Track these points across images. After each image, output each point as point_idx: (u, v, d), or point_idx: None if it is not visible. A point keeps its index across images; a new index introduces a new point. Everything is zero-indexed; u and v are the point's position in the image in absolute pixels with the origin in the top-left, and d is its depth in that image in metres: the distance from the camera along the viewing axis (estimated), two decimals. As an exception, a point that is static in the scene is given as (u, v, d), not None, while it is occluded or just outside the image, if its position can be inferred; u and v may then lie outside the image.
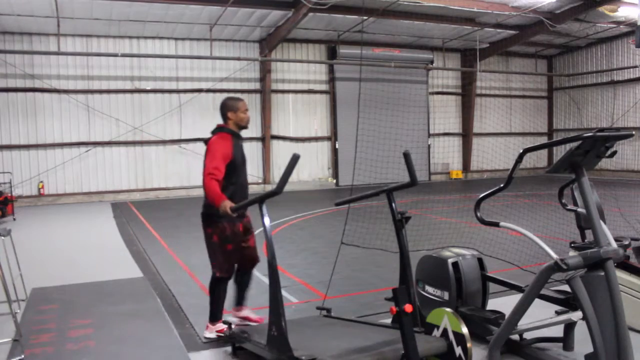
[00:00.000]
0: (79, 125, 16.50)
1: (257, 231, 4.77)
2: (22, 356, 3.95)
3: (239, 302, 4.65)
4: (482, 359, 3.71)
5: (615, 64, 21.14)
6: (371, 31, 17.84)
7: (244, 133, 4.53)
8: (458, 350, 3.36)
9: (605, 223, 3.42)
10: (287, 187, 3.52)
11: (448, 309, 3.54)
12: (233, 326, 4.22)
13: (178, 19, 15.68)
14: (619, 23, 18.33)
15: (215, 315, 4.40)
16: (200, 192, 16.96)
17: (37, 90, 15.95)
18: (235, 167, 4.28)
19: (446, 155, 21.82)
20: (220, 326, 4.34)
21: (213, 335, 4.39)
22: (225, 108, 4.43)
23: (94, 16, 14.91)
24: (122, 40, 16.78)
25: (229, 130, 4.40)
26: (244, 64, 18.09)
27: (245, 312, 4.63)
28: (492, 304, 4.38)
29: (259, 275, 6.51)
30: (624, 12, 16.38)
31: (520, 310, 3.25)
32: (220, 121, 4.47)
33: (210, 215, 4.24)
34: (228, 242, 4.27)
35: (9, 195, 12.83)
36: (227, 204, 3.91)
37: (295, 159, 3.42)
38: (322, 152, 19.75)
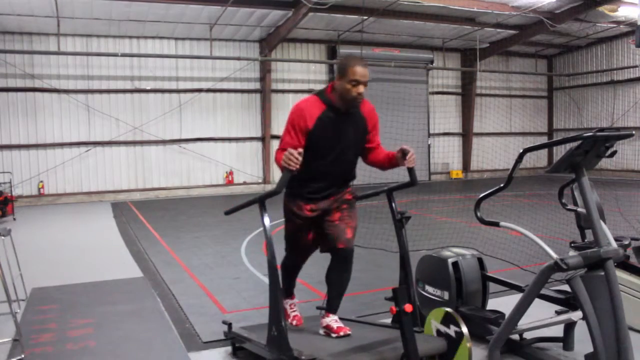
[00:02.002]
0: (79, 125, 16.50)
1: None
2: (22, 356, 3.95)
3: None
4: (482, 359, 3.71)
5: (615, 64, 21.12)
6: (371, 31, 17.83)
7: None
8: (458, 350, 3.35)
9: (605, 223, 3.42)
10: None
11: (448, 309, 3.54)
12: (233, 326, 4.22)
13: (178, 19, 15.68)
14: (619, 23, 18.32)
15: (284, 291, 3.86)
16: (200, 192, 16.87)
17: (37, 90, 15.95)
18: (314, 145, 3.35)
19: (446, 155, 21.82)
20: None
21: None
22: (337, 69, 3.36)
23: (94, 16, 14.91)
24: (122, 40, 16.78)
25: (322, 96, 3.36)
26: (244, 64, 18.09)
27: (327, 320, 3.63)
28: (492, 304, 4.38)
29: (259, 275, 6.52)
30: (624, 12, 16.36)
31: (520, 310, 3.25)
32: None
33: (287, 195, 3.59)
34: (287, 220, 3.69)
35: (9, 195, 12.83)
36: (286, 155, 3.06)
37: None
38: (322, 152, 19.72)
